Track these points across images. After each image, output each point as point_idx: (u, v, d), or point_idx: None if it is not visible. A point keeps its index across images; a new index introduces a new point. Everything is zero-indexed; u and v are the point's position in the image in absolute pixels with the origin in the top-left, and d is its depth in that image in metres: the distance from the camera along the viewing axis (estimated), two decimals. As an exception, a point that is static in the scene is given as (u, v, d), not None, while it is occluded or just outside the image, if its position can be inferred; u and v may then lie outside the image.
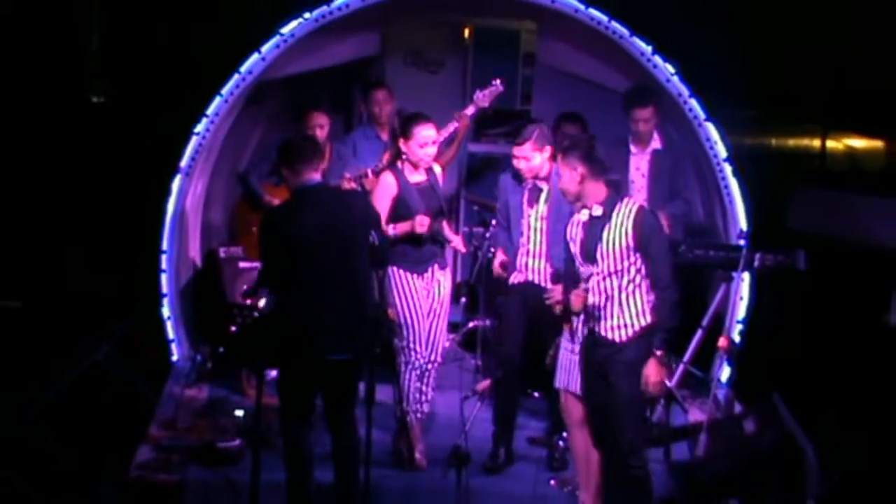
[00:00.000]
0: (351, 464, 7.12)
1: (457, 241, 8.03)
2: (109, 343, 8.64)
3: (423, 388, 7.94)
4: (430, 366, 7.93)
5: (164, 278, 9.07)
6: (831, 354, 9.41)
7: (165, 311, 9.12)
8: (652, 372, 6.87)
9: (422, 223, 7.74)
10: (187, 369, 9.06)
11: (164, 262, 9.05)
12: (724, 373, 8.85)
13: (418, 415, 7.94)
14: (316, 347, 6.95)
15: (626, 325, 6.92)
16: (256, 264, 8.23)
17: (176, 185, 9.01)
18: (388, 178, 7.83)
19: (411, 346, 7.84)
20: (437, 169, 8.02)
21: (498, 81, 8.35)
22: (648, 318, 6.91)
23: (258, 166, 9.18)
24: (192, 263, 9.39)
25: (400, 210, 7.79)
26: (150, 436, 7.95)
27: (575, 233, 7.05)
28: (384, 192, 7.79)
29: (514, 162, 7.76)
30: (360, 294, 7.03)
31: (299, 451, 7.13)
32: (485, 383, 8.52)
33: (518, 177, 7.81)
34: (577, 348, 7.07)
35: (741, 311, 8.86)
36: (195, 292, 9.37)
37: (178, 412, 8.33)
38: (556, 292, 7.16)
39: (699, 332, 8.64)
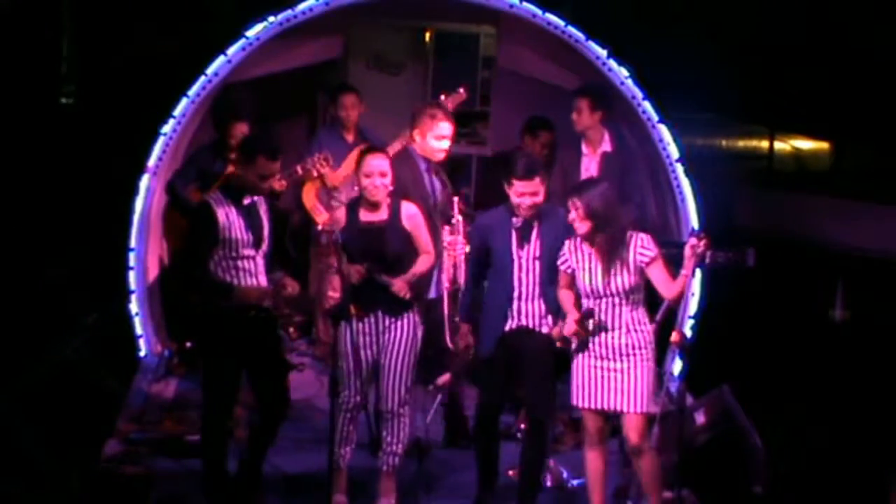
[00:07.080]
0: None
1: (398, 286, 7.13)
2: (79, 339, 8.69)
3: (388, 437, 7.22)
4: (387, 414, 7.21)
5: (131, 275, 9.13)
6: (779, 348, 9.62)
7: (133, 308, 9.19)
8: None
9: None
10: (155, 364, 9.16)
11: (131, 259, 9.11)
12: (677, 366, 8.95)
13: (384, 467, 7.29)
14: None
15: None
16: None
17: (144, 183, 9.07)
18: (338, 215, 7.29)
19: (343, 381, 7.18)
20: (412, 210, 7.24)
21: (462, 89, 8.52)
22: None
23: (185, 172, 8.89)
24: (160, 260, 9.43)
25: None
26: (119, 429, 7.99)
27: None
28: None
29: (517, 199, 7.04)
30: None
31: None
32: (445, 377, 8.69)
33: (507, 216, 7.12)
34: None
35: (693, 306, 8.99)
36: (162, 288, 9.43)
37: (146, 406, 8.40)
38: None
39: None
